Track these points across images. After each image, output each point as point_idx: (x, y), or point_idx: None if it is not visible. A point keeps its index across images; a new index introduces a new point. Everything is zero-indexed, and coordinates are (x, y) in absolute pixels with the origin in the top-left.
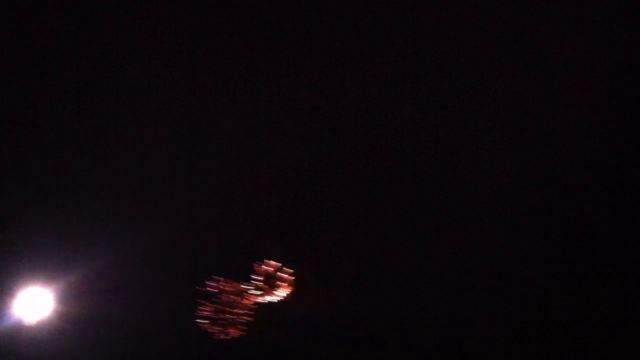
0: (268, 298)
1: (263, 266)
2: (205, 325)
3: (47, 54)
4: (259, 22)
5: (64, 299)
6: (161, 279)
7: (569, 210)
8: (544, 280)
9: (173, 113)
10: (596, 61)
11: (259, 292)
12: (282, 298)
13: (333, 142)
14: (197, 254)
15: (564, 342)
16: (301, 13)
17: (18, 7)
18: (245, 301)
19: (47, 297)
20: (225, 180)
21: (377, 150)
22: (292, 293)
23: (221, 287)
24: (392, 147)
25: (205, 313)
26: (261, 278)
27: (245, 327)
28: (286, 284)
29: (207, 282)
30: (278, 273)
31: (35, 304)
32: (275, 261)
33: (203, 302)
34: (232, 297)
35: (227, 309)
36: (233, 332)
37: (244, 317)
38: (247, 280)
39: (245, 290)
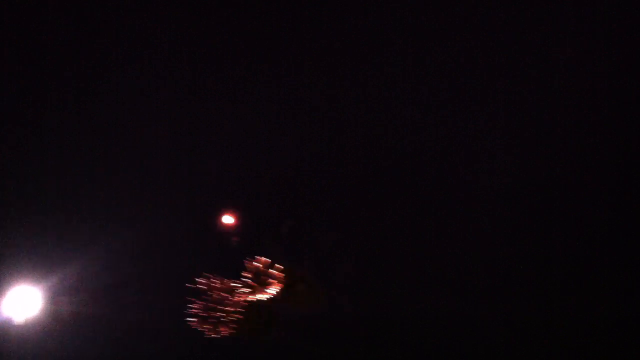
0: (259, 296)
1: (254, 263)
2: (195, 324)
3: (47, 54)
4: (259, 22)
5: (53, 297)
6: (151, 277)
7: (569, 210)
8: (543, 280)
9: (173, 113)
10: (596, 61)
11: (249, 290)
12: (272, 296)
13: (333, 142)
14: (187, 252)
15: (564, 342)
16: (301, 13)
17: (18, 7)
18: (235, 299)
19: (36, 295)
20: (225, 180)
21: (377, 150)
22: (282, 290)
23: (211, 284)
24: (392, 147)
25: (195, 311)
26: (251, 275)
27: (235, 325)
28: (277, 281)
29: (196, 279)
30: (269, 270)
31: (24, 302)
32: (274, 260)
33: (193, 299)
34: (222, 294)
35: (217, 306)
36: (223, 331)
37: (235, 315)
38: (238, 277)
39: (236, 288)
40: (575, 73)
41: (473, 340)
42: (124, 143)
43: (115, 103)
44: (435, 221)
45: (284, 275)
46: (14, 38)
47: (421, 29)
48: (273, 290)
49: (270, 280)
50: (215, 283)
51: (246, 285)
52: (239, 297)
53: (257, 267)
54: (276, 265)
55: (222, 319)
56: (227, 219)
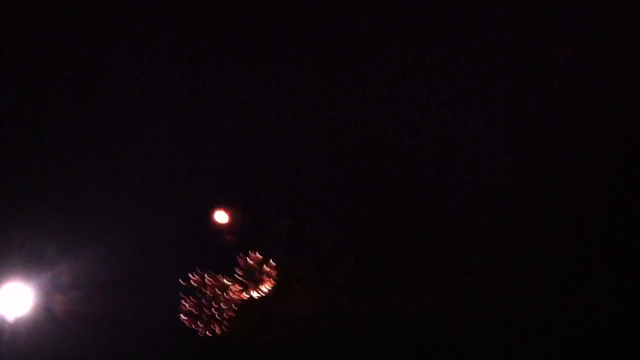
0: (252, 293)
1: (247, 259)
2: (188, 321)
3: (47, 54)
4: (259, 22)
5: (46, 295)
6: (146, 275)
7: (569, 210)
8: (544, 280)
9: (173, 113)
10: (596, 61)
11: (242, 287)
12: (265, 293)
13: (333, 142)
14: (182, 250)
15: (564, 342)
16: (301, 13)
17: (18, 7)
18: (229, 296)
19: (29, 293)
20: (225, 180)
21: (377, 150)
22: (277, 289)
23: (204, 281)
24: (392, 147)
25: (188, 308)
26: (243, 271)
27: (228, 324)
28: (270, 278)
29: (190, 277)
30: (262, 267)
31: (16, 300)
32: (268, 257)
33: (186, 297)
34: (215, 291)
35: (210, 304)
36: (217, 329)
37: (228, 313)
38: (232, 274)
39: (229, 285)
40: (575, 73)
41: (473, 340)
42: (124, 143)
43: (116, 103)
44: (436, 221)
45: (277, 272)
46: (14, 38)
47: (421, 29)
48: (266, 287)
49: (263, 277)
50: (208, 280)
51: (239, 282)
52: (232, 294)
53: (250, 264)
54: (270, 262)
55: (215, 317)
56: (223, 217)
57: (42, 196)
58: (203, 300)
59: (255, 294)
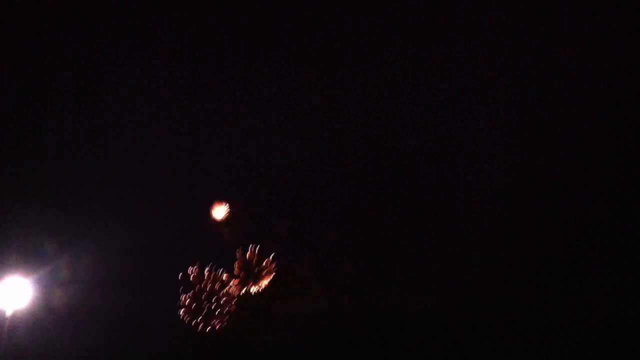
0: (252, 289)
1: (245, 254)
2: (187, 317)
3: (47, 54)
4: (259, 22)
5: (45, 289)
6: (145, 270)
7: (569, 210)
8: (544, 280)
9: (173, 113)
10: (596, 61)
11: (241, 282)
12: (264, 288)
13: (333, 142)
14: (180, 245)
15: (564, 342)
16: (301, 13)
17: (18, 7)
18: (227, 290)
19: (27, 287)
20: (225, 180)
21: (377, 150)
22: (277, 286)
23: (203, 276)
24: (392, 148)
25: (187, 304)
26: (242, 267)
27: (227, 319)
28: (268, 273)
29: (188, 272)
30: (261, 261)
31: (16, 294)
32: (266, 252)
33: (184, 292)
34: (214, 287)
35: (210, 299)
36: (217, 324)
37: (228, 308)
38: (230, 270)
39: (228, 281)
40: (575, 73)
41: (473, 340)
42: (124, 143)
43: (115, 103)
44: (436, 221)
45: (275, 266)
46: (14, 38)
47: (421, 29)
48: (264, 282)
49: (263, 272)
50: (207, 275)
51: (238, 277)
52: (231, 289)
53: (249, 259)
54: (269, 257)
55: (214, 312)
56: (221, 212)
57: (42, 195)
58: (203, 295)
59: (254, 289)
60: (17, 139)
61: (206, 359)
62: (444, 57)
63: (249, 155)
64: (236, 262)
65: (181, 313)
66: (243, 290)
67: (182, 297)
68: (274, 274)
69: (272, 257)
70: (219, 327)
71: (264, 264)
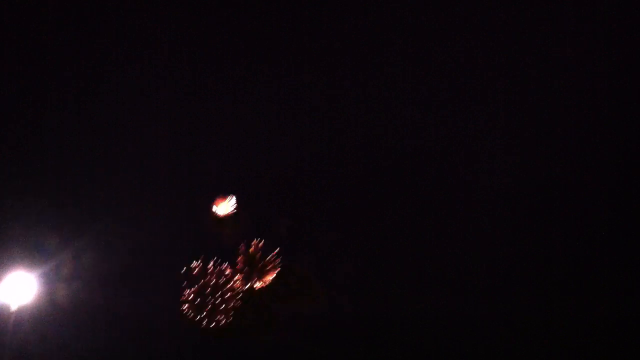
0: (257, 284)
1: (250, 250)
2: (191, 311)
3: (47, 54)
4: (259, 22)
5: (49, 284)
6: (148, 266)
7: (569, 210)
8: (544, 280)
9: (173, 113)
10: (596, 61)
11: (245, 277)
12: (267, 283)
13: (333, 142)
14: (183, 242)
15: (564, 342)
16: (301, 13)
17: (18, 7)
18: (231, 285)
19: (32, 282)
20: (225, 180)
21: (377, 150)
22: (279, 285)
23: (206, 271)
24: (392, 147)
25: (190, 298)
26: (246, 261)
27: (231, 314)
28: (272, 268)
29: (191, 266)
30: (266, 259)
31: (21, 289)
32: (270, 247)
33: (188, 286)
34: (219, 281)
35: (215, 293)
36: (219, 319)
37: (230, 303)
38: (234, 265)
39: (231, 274)
40: (575, 73)
41: (473, 340)
42: (124, 143)
43: (115, 103)
44: (436, 221)
45: (279, 261)
46: (14, 38)
47: (421, 29)
48: (268, 277)
49: (268, 267)
50: (211, 269)
51: (241, 271)
52: (236, 284)
53: (252, 253)
54: (273, 252)
55: (217, 307)
56: (224, 209)
57: (43, 195)
58: (207, 290)
59: (259, 284)
60: (17, 139)
61: (206, 358)
62: (444, 57)
63: (249, 155)
64: (239, 257)
65: (185, 308)
66: (247, 286)
67: (186, 292)
68: (279, 269)
69: (277, 252)
70: (223, 323)
71: (269, 258)
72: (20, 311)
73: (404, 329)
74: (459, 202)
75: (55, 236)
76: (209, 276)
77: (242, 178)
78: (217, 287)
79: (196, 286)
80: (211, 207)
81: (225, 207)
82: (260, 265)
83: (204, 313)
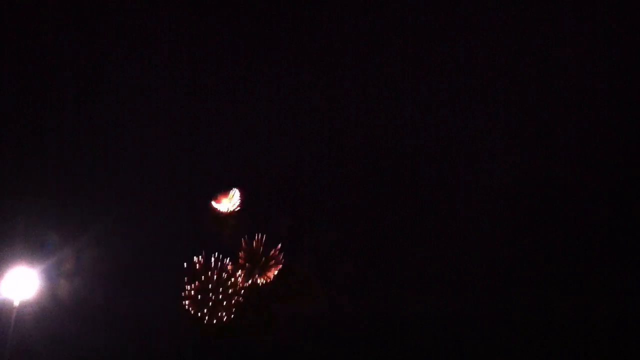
0: (259, 280)
1: (251, 244)
2: (193, 308)
3: (47, 54)
4: (259, 22)
5: (51, 280)
6: (150, 263)
7: (569, 210)
8: (544, 280)
9: (173, 113)
10: (596, 61)
11: (248, 273)
12: (270, 279)
13: (333, 142)
14: (185, 239)
15: (564, 342)
16: (301, 13)
17: (18, 7)
18: (233, 282)
19: (34, 278)
20: (225, 180)
21: (377, 150)
22: (280, 284)
23: (208, 266)
24: (392, 148)
25: (192, 294)
26: (248, 257)
27: (233, 311)
28: (274, 264)
29: (194, 261)
30: (267, 252)
31: (23, 284)
32: (271, 243)
33: (189, 282)
34: (221, 277)
35: (217, 289)
36: (221, 316)
37: (232, 299)
38: (236, 260)
39: (235, 271)
40: (575, 73)
41: (473, 340)
42: (124, 141)
43: (115, 103)
44: (436, 221)
45: (281, 257)
46: (14, 38)
47: (421, 29)
48: (271, 273)
49: (270, 262)
50: (213, 265)
51: (243, 266)
52: (238, 280)
53: (255, 248)
54: (275, 247)
55: (219, 303)
56: (226, 205)
57: (43, 195)
58: (209, 286)
59: (261, 280)
60: (17, 139)
61: (206, 358)
62: (444, 57)
63: (249, 154)
64: (241, 252)
65: (186, 304)
66: (249, 282)
67: (187, 288)
68: (280, 265)
69: (280, 247)
70: (225, 320)
71: (272, 253)
72: (22, 306)
73: (404, 329)
74: (459, 202)
75: (56, 234)
76: (210, 272)
77: (242, 178)
78: (218, 283)
79: (197, 282)
80: (212, 206)
81: (227, 203)
82: (262, 261)
83: (205, 310)
